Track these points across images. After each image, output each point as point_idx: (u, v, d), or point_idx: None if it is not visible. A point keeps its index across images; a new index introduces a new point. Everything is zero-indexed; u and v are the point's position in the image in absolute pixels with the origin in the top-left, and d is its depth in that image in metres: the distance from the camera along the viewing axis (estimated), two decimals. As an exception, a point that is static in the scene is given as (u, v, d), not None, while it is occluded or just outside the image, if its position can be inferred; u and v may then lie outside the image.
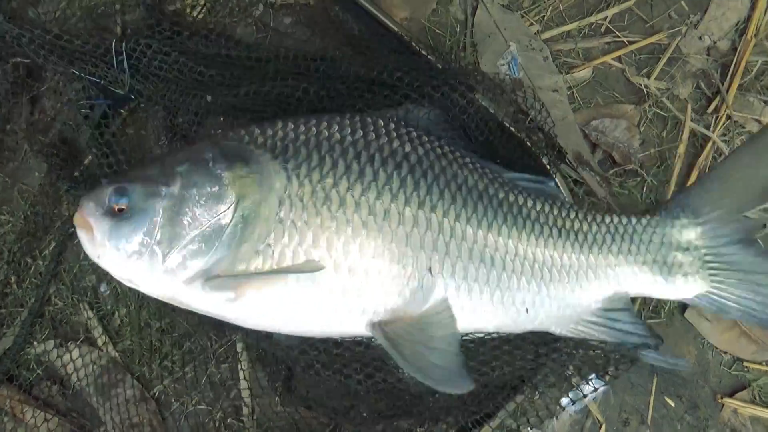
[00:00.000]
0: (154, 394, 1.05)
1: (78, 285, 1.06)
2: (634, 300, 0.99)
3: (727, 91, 1.18)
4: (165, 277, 0.80)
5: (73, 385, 1.02)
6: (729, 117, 1.18)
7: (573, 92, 1.19)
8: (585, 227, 0.88)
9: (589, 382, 1.07)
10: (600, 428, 1.09)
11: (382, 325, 0.82)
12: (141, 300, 1.05)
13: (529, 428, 1.07)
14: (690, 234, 0.89)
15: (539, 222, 0.87)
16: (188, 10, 1.13)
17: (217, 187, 0.81)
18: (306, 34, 1.14)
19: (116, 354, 1.05)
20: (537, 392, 1.03)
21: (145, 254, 0.80)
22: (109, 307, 1.07)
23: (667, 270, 0.88)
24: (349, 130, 0.86)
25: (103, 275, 1.07)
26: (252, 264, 0.80)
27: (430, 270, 0.82)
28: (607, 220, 0.90)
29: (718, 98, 1.19)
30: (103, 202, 0.82)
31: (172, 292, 0.82)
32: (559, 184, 1.01)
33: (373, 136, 0.86)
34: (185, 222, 0.80)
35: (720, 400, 1.12)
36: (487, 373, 0.92)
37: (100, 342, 1.04)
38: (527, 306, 0.85)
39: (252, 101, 0.99)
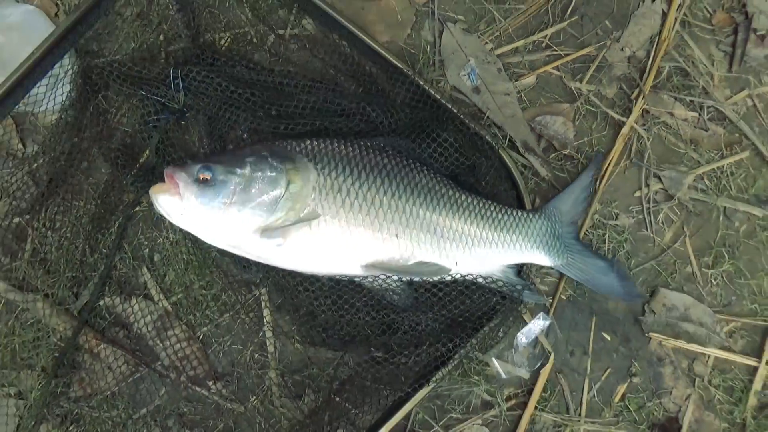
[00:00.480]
0: (199, 336, 1.33)
1: (137, 254, 1.36)
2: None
3: (643, 83, 1.48)
4: (236, 226, 1.19)
5: (135, 330, 1.31)
6: (647, 110, 1.48)
7: (521, 95, 1.50)
8: (499, 215, 1.31)
9: (537, 321, 1.36)
10: (549, 357, 1.37)
11: (369, 266, 1.21)
12: (187, 264, 1.34)
13: (494, 359, 1.35)
14: (558, 227, 1.34)
15: (468, 209, 1.30)
16: (217, 40, 1.45)
17: (274, 173, 1.21)
18: (308, 56, 1.45)
19: (168, 306, 1.34)
20: (498, 329, 1.31)
21: (224, 209, 1.18)
22: (161, 271, 1.36)
23: (547, 248, 1.33)
24: (351, 149, 1.27)
25: (156, 247, 1.37)
26: (297, 223, 1.21)
27: (396, 235, 1.22)
28: (514, 213, 1.33)
29: (637, 91, 1.49)
30: (191, 173, 1.18)
31: (239, 239, 1.20)
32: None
33: (366, 153, 1.27)
34: (253, 192, 1.19)
35: (648, 335, 1.40)
36: (452, 311, 1.27)
37: (156, 297, 1.33)
38: (457, 261, 1.29)
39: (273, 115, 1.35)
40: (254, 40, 1.45)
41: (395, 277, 1.26)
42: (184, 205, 1.18)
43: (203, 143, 1.39)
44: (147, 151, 1.38)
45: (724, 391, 1.39)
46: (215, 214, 1.18)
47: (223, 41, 1.43)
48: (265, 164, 1.21)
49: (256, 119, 1.35)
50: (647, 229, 1.46)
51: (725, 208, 1.46)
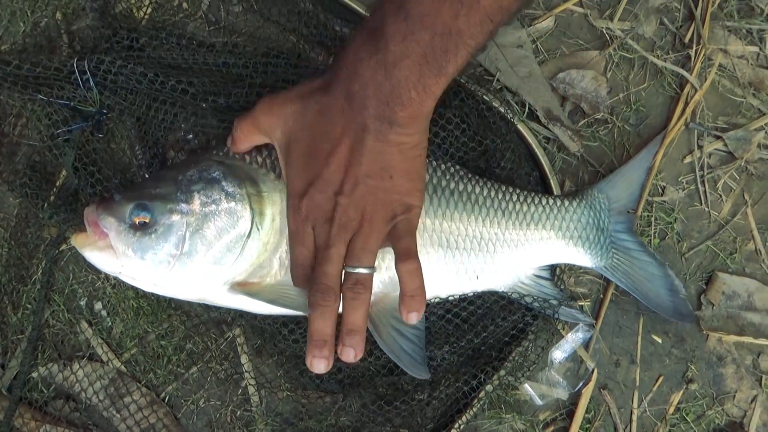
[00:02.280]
0: (165, 397, 1.08)
1: (72, 305, 1.08)
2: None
3: (703, 24, 1.16)
4: (193, 281, 0.91)
5: (84, 401, 1.06)
6: (704, 53, 1.17)
7: (537, 45, 1.17)
8: (525, 208, 1.03)
9: (575, 334, 1.12)
10: (592, 373, 1.14)
11: (370, 306, 0.91)
12: (137, 311, 1.07)
13: (526, 383, 1.12)
14: (605, 218, 1.07)
15: (485, 206, 1.01)
16: (134, 11, 1.09)
17: (233, 203, 0.91)
18: (259, 21, 1.10)
19: (121, 365, 1.08)
20: (529, 347, 1.08)
21: (174, 263, 0.90)
22: (106, 322, 1.09)
23: (588, 245, 1.06)
24: None
25: (95, 294, 1.09)
26: (272, 272, 0.94)
27: (396, 270, 0.91)
28: (543, 201, 1.05)
29: (691, 33, 1.17)
30: (123, 217, 0.89)
31: (199, 294, 0.94)
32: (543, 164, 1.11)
33: None
34: (208, 234, 0.90)
35: (705, 331, 1.17)
36: (473, 341, 1.04)
37: (104, 356, 1.07)
38: (477, 274, 1.02)
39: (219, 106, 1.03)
40: (184, 5, 1.09)
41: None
42: (120, 262, 0.90)
43: (135, 153, 1.08)
44: (63, 172, 1.06)
45: (796, 388, 1.18)
46: (163, 269, 0.90)
47: (142, 12, 1.08)
48: (218, 192, 0.92)
49: (200, 114, 1.03)
50: (701, 203, 1.19)
51: (794, 166, 1.19)
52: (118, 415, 1.04)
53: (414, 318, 0.85)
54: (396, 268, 0.86)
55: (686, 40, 1.18)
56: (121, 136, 1.08)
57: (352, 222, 0.85)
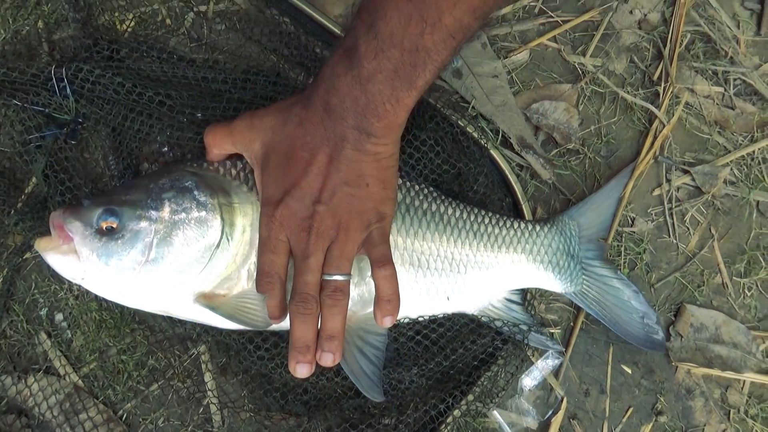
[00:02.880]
0: (122, 415, 1.04)
1: (31, 315, 1.05)
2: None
3: (671, 63, 1.21)
4: (158, 291, 0.90)
5: (38, 417, 1.01)
6: (672, 91, 1.21)
7: (512, 76, 1.20)
8: (497, 230, 1.04)
9: (545, 361, 1.12)
10: (561, 401, 1.13)
11: None
12: (99, 323, 1.04)
13: (495, 410, 1.11)
14: (575, 244, 1.08)
15: (457, 227, 1.02)
16: (117, 24, 1.10)
17: (204, 213, 0.90)
18: (241, 39, 1.12)
19: (79, 380, 1.04)
20: (498, 372, 1.06)
21: (139, 270, 0.88)
22: (66, 335, 1.06)
23: (558, 270, 1.07)
24: None
25: (57, 304, 1.06)
26: (239, 284, 0.92)
27: (371, 276, 0.91)
28: (515, 225, 1.06)
29: (659, 70, 1.22)
30: (90, 222, 0.88)
31: (164, 305, 0.92)
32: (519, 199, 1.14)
33: None
34: (176, 243, 0.89)
35: (674, 363, 1.17)
36: (442, 364, 1.02)
37: (61, 370, 1.03)
38: (448, 295, 1.02)
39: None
40: (167, 20, 1.11)
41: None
42: (83, 267, 0.88)
43: (108, 163, 1.07)
44: (33, 179, 1.05)
45: (764, 422, 1.18)
46: (127, 277, 0.88)
47: (124, 25, 1.09)
48: (189, 201, 0.91)
49: (177, 128, 1.03)
50: (669, 235, 1.21)
51: (758, 202, 1.22)
52: (72, 433, 1.00)
53: (389, 322, 0.87)
54: (372, 274, 0.87)
55: (655, 77, 1.22)
56: (95, 146, 1.07)
57: (329, 231, 0.85)
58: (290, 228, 0.85)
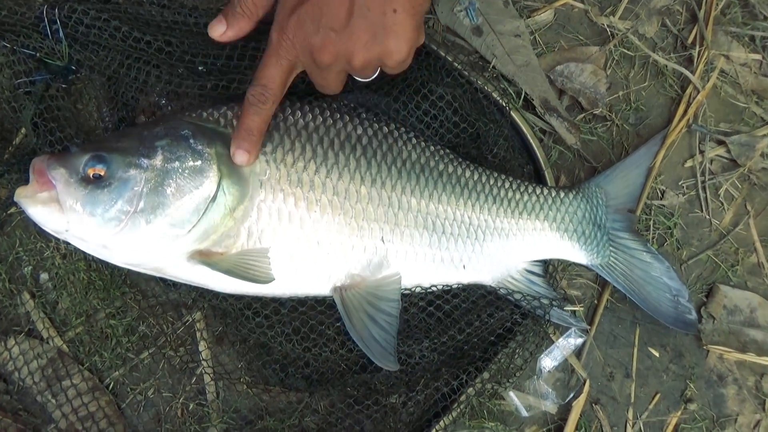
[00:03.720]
0: (109, 384, 0.97)
1: (15, 274, 0.98)
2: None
3: (707, 26, 1.13)
4: (148, 246, 0.82)
5: (17, 383, 0.94)
6: (707, 55, 1.13)
7: (535, 37, 1.13)
8: (518, 196, 0.97)
9: (566, 340, 1.03)
10: (584, 384, 1.05)
11: (342, 289, 0.90)
12: (87, 285, 0.97)
13: (511, 392, 1.02)
14: (602, 213, 1.01)
15: (476, 190, 0.95)
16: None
17: (200, 162, 0.84)
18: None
19: (63, 344, 0.96)
20: (516, 350, 0.98)
21: (127, 222, 0.81)
22: (51, 296, 0.98)
23: (584, 240, 1.00)
24: (311, 116, 0.91)
25: (42, 263, 0.98)
26: (239, 241, 0.85)
27: (382, 239, 0.90)
28: (537, 191, 0.99)
29: (694, 34, 1.14)
30: (76, 169, 0.81)
31: (154, 262, 0.85)
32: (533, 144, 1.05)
33: (331, 120, 0.91)
34: (168, 193, 0.82)
35: (705, 347, 1.08)
36: (455, 337, 0.95)
37: (44, 333, 0.96)
38: (464, 263, 0.95)
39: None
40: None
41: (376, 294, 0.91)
42: (66, 218, 0.81)
43: (103, 114, 1.00)
44: (23, 130, 0.98)
45: (802, 414, 1.09)
46: (114, 229, 0.81)
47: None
48: (184, 149, 0.84)
49: (176, 78, 0.96)
50: (702, 210, 1.12)
51: (798, 177, 1.13)
52: (54, 401, 0.92)
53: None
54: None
55: (689, 42, 1.14)
56: (89, 96, 1.00)
57: (339, 60, 0.78)
58: (302, 44, 0.78)
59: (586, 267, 1.03)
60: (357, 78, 0.83)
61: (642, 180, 1.06)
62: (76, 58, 0.96)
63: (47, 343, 0.96)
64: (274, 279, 0.84)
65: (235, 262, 0.83)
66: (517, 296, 0.97)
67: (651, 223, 1.10)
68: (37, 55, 0.95)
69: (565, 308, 1.01)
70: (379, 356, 0.87)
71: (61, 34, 0.95)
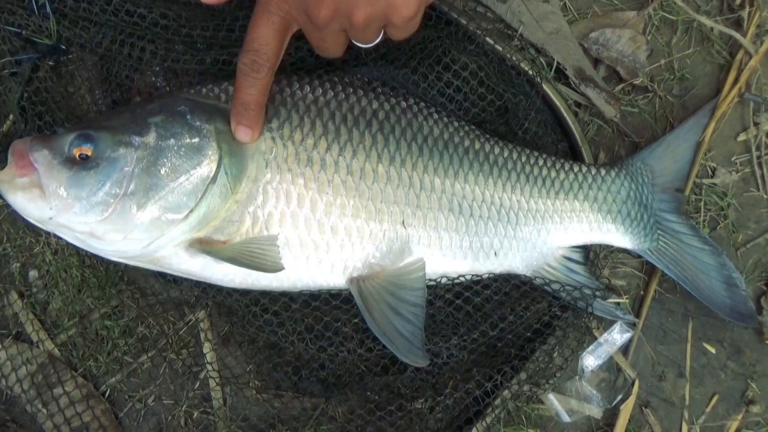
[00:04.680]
0: (105, 391, 0.88)
1: (2, 272, 0.90)
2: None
3: None
4: (137, 234, 0.74)
5: (5, 391, 0.86)
6: (759, 15, 1.01)
7: (565, 2, 1.02)
8: (553, 174, 0.88)
9: (610, 335, 0.92)
10: (632, 385, 0.93)
11: (360, 280, 0.81)
12: (80, 283, 0.89)
13: (551, 394, 0.91)
14: (648, 192, 0.91)
15: (506, 168, 0.86)
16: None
17: (197, 139, 0.75)
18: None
19: (55, 348, 0.88)
20: (555, 347, 0.88)
21: (115, 206, 0.72)
22: (42, 295, 0.90)
23: (629, 222, 0.89)
24: (321, 90, 0.83)
25: (32, 260, 0.90)
26: (243, 227, 0.77)
27: (403, 223, 0.81)
28: (575, 168, 0.89)
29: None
30: (60, 149, 0.73)
31: (149, 251, 0.76)
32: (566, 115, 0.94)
33: (343, 95, 0.83)
34: (163, 173, 0.74)
35: (767, 341, 0.96)
36: (487, 333, 0.85)
37: (34, 336, 0.88)
38: (495, 250, 0.85)
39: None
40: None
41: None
42: (49, 204, 0.73)
43: (95, 97, 0.92)
44: (11, 115, 0.90)
45: None
46: (100, 215, 0.73)
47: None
48: (181, 126, 0.76)
49: (173, 53, 0.87)
50: (758, 188, 1.01)
51: None
52: (45, 411, 0.84)
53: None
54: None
55: (736, 2, 1.03)
56: (81, 78, 0.92)
57: (339, 17, 0.68)
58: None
59: (630, 253, 0.92)
60: (358, 44, 0.73)
61: (690, 156, 0.96)
62: (65, 35, 0.89)
63: (37, 347, 0.88)
64: (283, 268, 0.75)
65: (239, 250, 0.75)
66: (555, 286, 0.87)
67: (702, 204, 0.99)
68: (24, 33, 0.88)
69: (609, 299, 0.90)
70: (405, 352, 0.78)
71: (48, 9, 0.88)
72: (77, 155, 0.73)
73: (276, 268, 0.75)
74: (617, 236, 0.89)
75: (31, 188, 0.72)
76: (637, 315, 0.95)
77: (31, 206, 0.73)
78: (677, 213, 0.92)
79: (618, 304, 0.94)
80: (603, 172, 0.89)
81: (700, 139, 0.97)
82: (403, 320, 0.78)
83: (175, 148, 0.75)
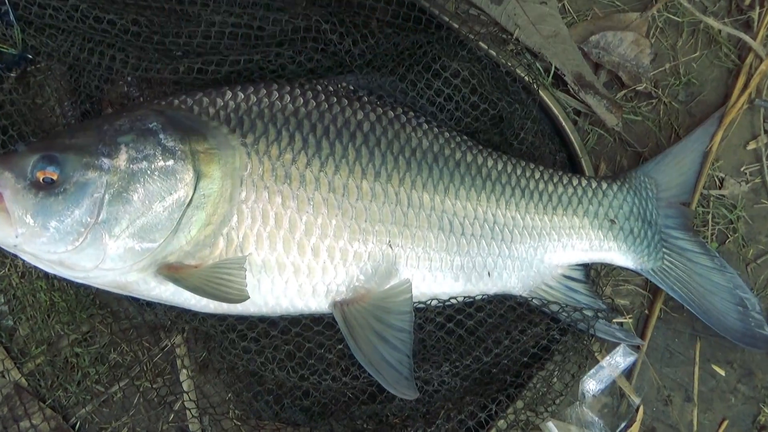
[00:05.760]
0: (75, 423, 0.83)
1: (-35, 297, 0.85)
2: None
3: None
4: (111, 262, 0.70)
5: (-33, 424, 0.81)
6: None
7: (564, 4, 0.97)
8: (550, 188, 0.82)
9: (613, 358, 0.87)
10: (636, 411, 0.88)
11: (344, 304, 0.76)
12: (49, 308, 0.84)
13: (549, 421, 0.86)
14: (653, 208, 0.86)
15: (500, 182, 0.81)
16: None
17: (171, 161, 0.71)
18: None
19: (21, 378, 0.83)
20: (554, 372, 0.82)
21: (86, 235, 0.68)
22: (8, 321, 0.85)
23: (632, 239, 0.84)
24: (302, 100, 0.78)
25: (-4, 284, 0.86)
26: (216, 250, 0.73)
27: (389, 243, 0.76)
28: (575, 181, 0.84)
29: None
30: (23, 172, 0.69)
31: (120, 280, 0.72)
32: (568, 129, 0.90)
33: (326, 105, 0.78)
34: (135, 200, 0.70)
35: (779, 362, 0.91)
36: (481, 358, 0.80)
37: (-1, 365, 0.83)
38: (489, 270, 0.80)
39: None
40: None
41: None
42: (14, 231, 0.68)
43: (65, 108, 0.87)
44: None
45: None
46: (71, 244, 0.68)
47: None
48: (153, 146, 0.71)
49: (145, 63, 0.82)
50: (769, 199, 0.95)
51: None
52: (10, 445, 0.79)
53: None
54: None
55: (746, 3, 0.97)
56: (49, 90, 0.87)
57: None
58: None
59: (634, 272, 0.87)
60: None
61: (696, 167, 0.90)
62: (31, 44, 0.84)
63: (2, 376, 0.84)
64: (248, 297, 0.71)
65: (205, 277, 0.70)
66: (554, 307, 0.81)
67: (709, 217, 0.93)
68: (-14, 42, 0.82)
69: (613, 320, 0.85)
70: (392, 382, 0.73)
71: (11, 17, 0.83)
72: (41, 179, 0.68)
73: (241, 297, 0.70)
74: (619, 255, 0.84)
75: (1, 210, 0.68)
76: (642, 336, 0.90)
77: (1, 231, 0.68)
78: (684, 229, 0.87)
79: (620, 324, 0.89)
80: (604, 185, 0.84)
81: (708, 148, 0.91)
82: (389, 347, 0.73)
83: (148, 172, 0.70)
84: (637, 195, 0.85)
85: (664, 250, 0.85)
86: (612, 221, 0.83)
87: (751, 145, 0.96)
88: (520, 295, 0.82)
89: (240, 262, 0.70)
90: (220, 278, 0.70)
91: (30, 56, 0.85)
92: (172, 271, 0.70)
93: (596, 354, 0.88)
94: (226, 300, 0.69)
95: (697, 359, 0.91)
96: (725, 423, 0.90)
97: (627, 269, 0.86)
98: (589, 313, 0.81)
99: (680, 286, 0.85)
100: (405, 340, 0.73)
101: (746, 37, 0.95)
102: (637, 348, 0.89)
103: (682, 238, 0.86)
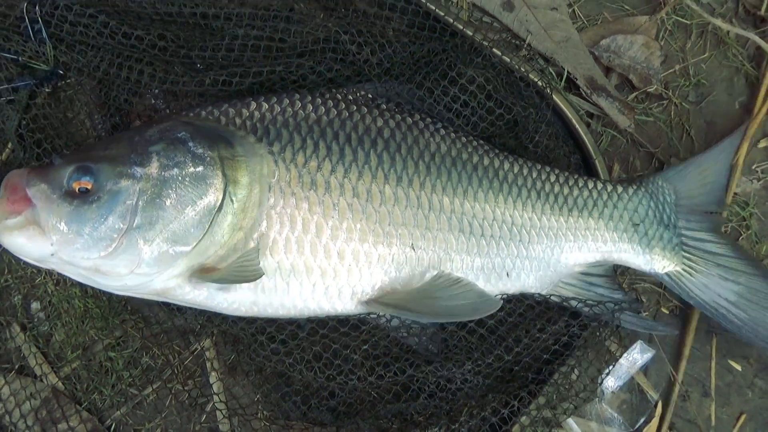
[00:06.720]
0: (110, 425, 0.86)
1: (4, 305, 0.88)
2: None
3: None
4: (146, 267, 0.72)
5: (8, 427, 0.84)
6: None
7: (574, 9, 0.99)
8: (566, 190, 0.85)
9: (630, 355, 0.89)
10: (655, 406, 0.90)
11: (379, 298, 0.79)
12: (83, 314, 0.87)
13: (570, 419, 0.88)
14: (670, 212, 0.87)
15: (517, 184, 0.83)
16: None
17: (201, 167, 0.74)
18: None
19: (58, 382, 0.86)
20: (575, 368, 0.84)
21: (120, 240, 0.71)
22: (44, 327, 0.88)
23: (647, 242, 0.86)
24: (324, 109, 0.81)
25: (33, 292, 0.88)
26: None
27: (412, 246, 0.79)
28: (590, 184, 0.86)
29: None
30: (59, 183, 0.71)
31: (155, 285, 0.74)
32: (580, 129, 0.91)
33: (347, 113, 0.81)
34: (168, 206, 0.72)
35: (795, 356, 0.93)
36: (502, 357, 0.82)
37: (37, 370, 0.86)
38: (507, 270, 0.82)
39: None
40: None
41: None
42: (50, 241, 0.70)
43: (95, 122, 0.90)
44: (9, 144, 0.89)
45: None
46: (105, 250, 0.71)
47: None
48: (183, 154, 0.74)
49: (172, 76, 0.85)
50: (781, 197, 0.97)
51: None
52: (49, 447, 0.82)
53: None
54: None
55: (762, 10, 0.98)
56: (80, 104, 0.91)
57: None
58: None
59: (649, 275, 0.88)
60: None
61: (723, 179, 0.90)
62: (63, 60, 0.87)
63: (41, 380, 0.86)
64: (263, 274, 0.74)
65: (227, 269, 0.74)
66: (574, 303, 0.83)
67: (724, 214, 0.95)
68: (20, 59, 0.86)
69: (639, 310, 0.87)
70: (470, 312, 0.78)
71: (44, 34, 0.86)
72: (77, 189, 0.71)
73: (257, 274, 0.74)
74: (632, 256, 0.85)
75: (27, 226, 0.70)
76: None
77: (29, 245, 0.70)
78: (712, 232, 0.87)
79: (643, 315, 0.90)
80: (620, 188, 0.86)
81: (734, 162, 0.92)
82: (445, 297, 0.77)
83: (179, 178, 0.73)
84: (653, 199, 0.86)
85: (683, 254, 0.87)
86: (636, 224, 0.85)
87: (763, 143, 0.97)
88: (538, 294, 0.84)
89: (255, 251, 0.74)
90: (239, 265, 0.73)
91: (61, 72, 0.88)
92: (205, 272, 0.73)
93: (614, 351, 0.90)
94: (245, 280, 0.73)
95: (714, 354, 0.92)
96: (743, 417, 0.92)
97: (641, 271, 0.88)
98: (611, 306, 0.82)
99: (701, 292, 0.85)
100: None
101: (756, 38, 0.97)
102: (655, 343, 0.90)
103: (708, 240, 0.87)
